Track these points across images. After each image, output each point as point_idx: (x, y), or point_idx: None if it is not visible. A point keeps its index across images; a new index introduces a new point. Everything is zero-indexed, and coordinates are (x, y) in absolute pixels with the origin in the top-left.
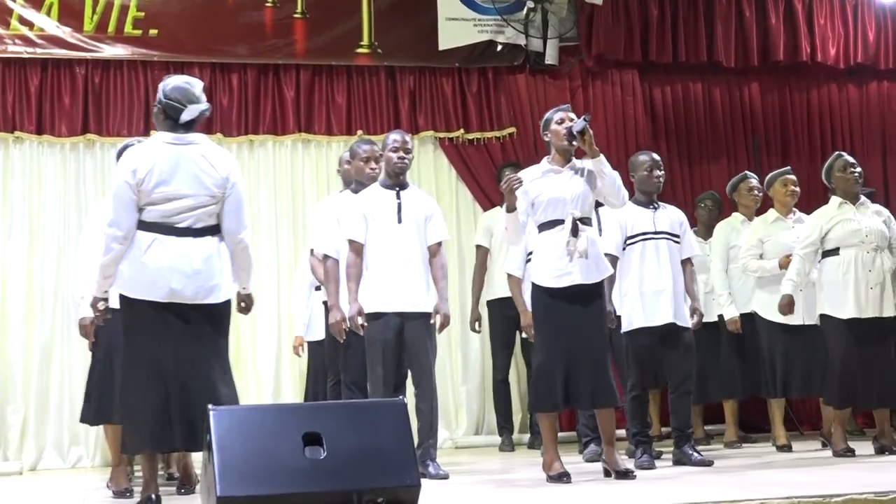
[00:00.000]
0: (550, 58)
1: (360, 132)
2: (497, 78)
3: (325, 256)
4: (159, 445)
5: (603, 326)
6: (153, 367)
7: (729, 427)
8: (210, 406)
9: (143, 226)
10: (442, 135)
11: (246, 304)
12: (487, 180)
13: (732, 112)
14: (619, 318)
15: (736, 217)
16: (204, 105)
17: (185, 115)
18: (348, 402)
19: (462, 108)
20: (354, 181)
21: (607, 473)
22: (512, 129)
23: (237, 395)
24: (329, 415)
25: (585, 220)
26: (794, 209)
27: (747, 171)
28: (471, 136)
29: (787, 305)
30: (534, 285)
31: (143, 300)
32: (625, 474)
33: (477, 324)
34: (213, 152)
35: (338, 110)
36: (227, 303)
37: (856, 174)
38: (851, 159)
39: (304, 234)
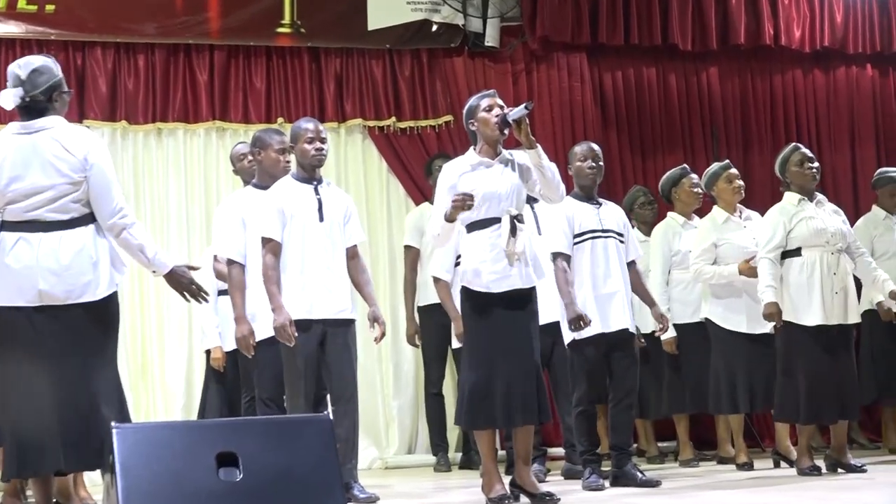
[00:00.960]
0: (491, 39)
1: (280, 120)
2: (432, 61)
3: (230, 262)
4: (39, 469)
5: (536, 334)
6: (27, 385)
7: (683, 445)
8: (114, 424)
9: (7, 226)
10: (371, 123)
11: (177, 286)
12: (422, 173)
13: (689, 99)
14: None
15: (675, 218)
16: (19, 90)
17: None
18: (267, 419)
19: (394, 94)
20: (259, 176)
21: (516, 497)
22: (448, 118)
23: (126, 406)
24: (246, 433)
25: (520, 218)
26: (740, 206)
27: (686, 165)
28: (403, 124)
29: (776, 315)
30: (465, 290)
31: (8, 307)
32: (542, 498)
33: (417, 335)
34: (68, 134)
35: (256, 96)
36: (109, 298)
37: (814, 170)
38: (809, 153)
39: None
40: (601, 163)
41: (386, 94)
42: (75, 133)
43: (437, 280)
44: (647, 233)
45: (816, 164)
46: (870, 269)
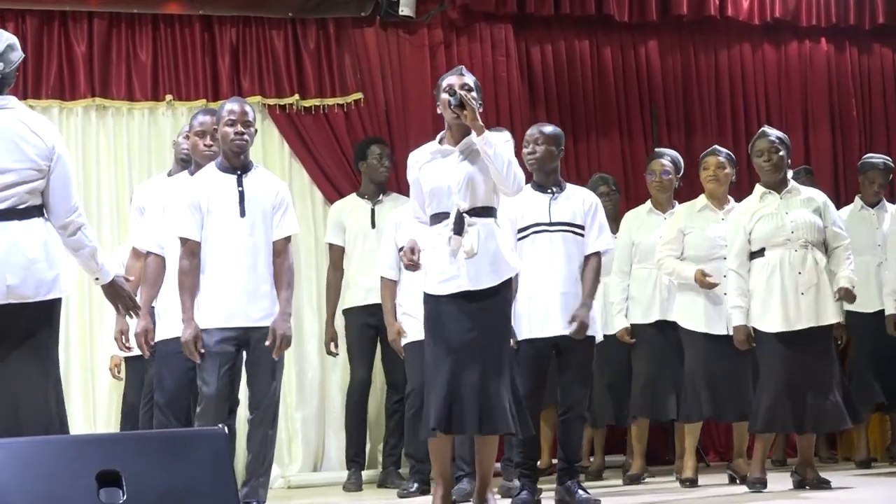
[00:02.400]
0: (406, 8)
1: (168, 97)
2: (340, 32)
3: (148, 253)
4: None
5: (499, 338)
6: None
7: (637, 457)
8: None
9: None
10: (272, 101)
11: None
12: (329, 158)
13: (626, 76)
14: None
15: (644, 207)
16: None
17: None
18: (154, 434)
19: (297, 68)
20: (194, 161)
21: None
22: (358, 95)
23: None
24: (130, 448)
25: (481, 211)
26: (731, 199)
27: (658, 149)
28: (308, 103)
29: (746, 341)
30: (423, 292)
31: None
32: None
33: (332, 345)
34: (34, 118)
35: (141, 70)
36: (61, 301)
37: (770, 163)
38: (775, 139)
39: (98, 223)
40: (548, 147)
41: (288, 68)
42: (40, 118)
43: (382, 279)
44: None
45: (780, 153)
46: (838, 262)
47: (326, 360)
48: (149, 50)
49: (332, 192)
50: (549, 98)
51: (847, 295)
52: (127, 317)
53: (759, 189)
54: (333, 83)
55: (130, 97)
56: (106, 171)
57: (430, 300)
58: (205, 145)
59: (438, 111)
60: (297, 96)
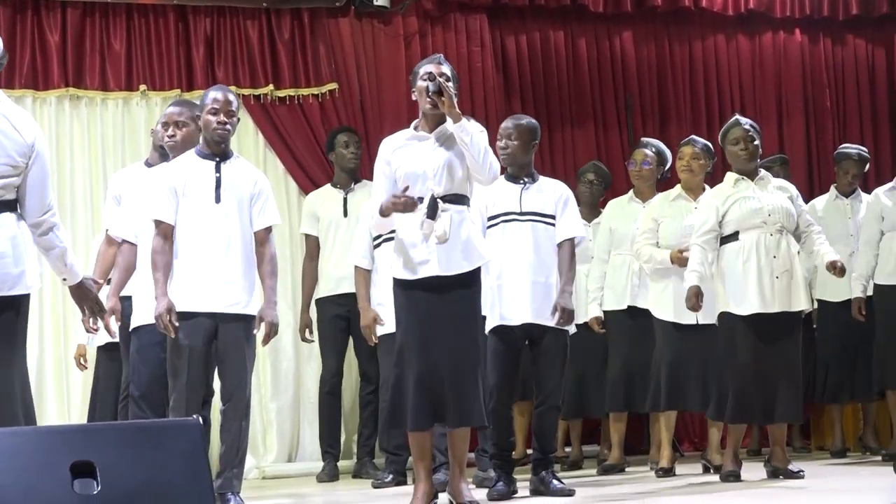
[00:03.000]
0: None
1: (142, 87)
2: (315, 22)
3: (123, 241)
4: None
5: (471, 327)
6: None
7: (614, 447)
8: None
9: None
10: (246, 92)
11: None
12: (303, 148)
13: (601, 67)
14: None
15: (624, 196)
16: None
17: None
18: (129, 424)
19: (272, 58)
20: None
21: None
22: (333, 86)
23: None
24: (105, 440)
25: (455, 198)
26: (707, 187)
27: (644, 139)
28: (282, 93)
29: (695, 297)
30: (393, 277)
31: None
32: None
33: (307, 331)
34: (16, 113)
35: (115, 60)
36: (28, 296)
37: (747, 151)
38: (748, 128)
39: (73, 213)
40: (522, 141)
41: (263, 58)
42: (23, 114)
43: (356, 268)
44: (585, 215)
45: (755, 143)
46: (813, 242)
47: (301, 351)
48: (123, 40)
49: (307, 183)
50: (523, 88)
51: (838, 268)
52: (91, 320)
53: (732, 176)
54: (308, 73)
55: (104, 87)
56: (80, 161)
57: (399, 286)
58: (168, 136)
59: (413, 98)
60: (271, 86)
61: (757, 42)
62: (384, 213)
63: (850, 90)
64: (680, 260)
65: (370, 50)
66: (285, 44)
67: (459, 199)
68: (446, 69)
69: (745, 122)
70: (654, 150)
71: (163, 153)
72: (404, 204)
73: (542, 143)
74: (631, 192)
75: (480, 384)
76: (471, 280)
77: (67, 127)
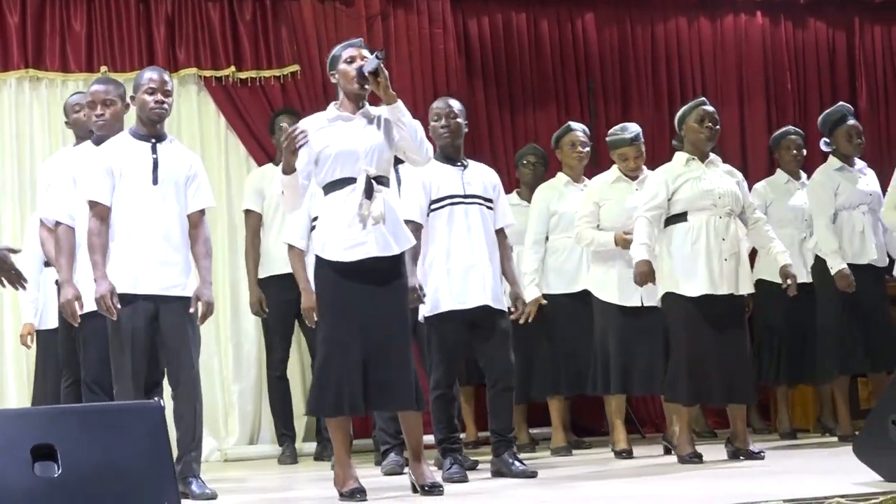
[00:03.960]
0: None
1: (103, 69)
2: (277, 4)
3: (57, 223)
4: None
5: (404, 310)
6: None
7: (556, 431)
8: None
9: None
10: (208, 73)
11: None
12: (265, 130)
13: (563, 49)
14: None
15: (559, 178)
16: None
17: None
18: (89, 407)
19: (233, 40)
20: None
21: (414, 489)
22: (295, 68)
23: None
24: (65, 422)
25: (382, 179)
26: (645, 168)
27: (571, 123)
28: (244, 74)
29: (647, 274)
30: (318, 259)
31: None
32: (431, 489)
33: (262, 302)
34: None
35: (75, 41)
36: None
37: (711, 132)
38: (713, 111)
39: (32, 196)
40: (459, 120)
41: (224, 40)
42: None
43: (290, 247)
44: (527, 196)
45: (717, 127)
46: (766, 237)
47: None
48: (83, 21)
49: (267, 163)
50: (486, 71)
51: (790, 274)
52: (15, 288)
53: (682, 156)
54: (270, 55)
55: (64, 68)
56: (40, 143)
57: (328, 267)
58: (96, 115)
59: (333, 80)
60: (233, 68)
61: (718, 25)
62: (285, 167)
63: (811, 73)
64: (624, 242)
65: (332, 32)
66: (247, 25)
67: (386, 181)
68: (367, 52)
69: (710, 105)
70: (583, 132)
71: (89, 133)
72: (292, 138)
73: (504, 126)
74: (562, 175)
75: (414, 367)
76: (402, 262)
77: (27, 108)
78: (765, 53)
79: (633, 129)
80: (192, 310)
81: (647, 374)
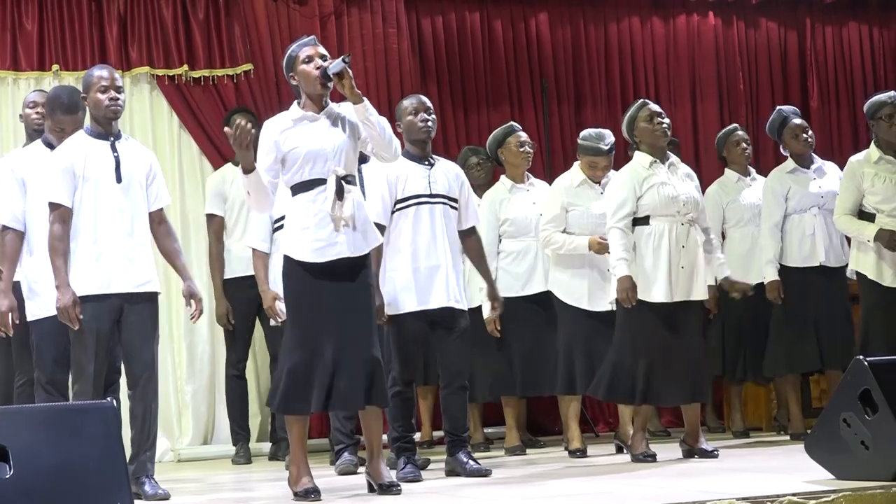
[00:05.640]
0: None
1: (55, 67)
2: (230, 2)
3: (4, 228)
4: None
5: (372, 307)
6: None
7: (510, 430)
8: None
9: None
10: (160, 72)
11: None
12: (218, 129)
13: (517, 49)
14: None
15: (503, 183)
16: None
17: None
18: (42, 407)
19: (186, 39)
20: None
21: (371, 488)
22: (248, 66)
23: None
24: (17, 422)
25: (349, 178)
26: (613, 171)
27: (513, 123)
28: (197, 73)
29: (630, 290)
30: (288, 259)
31: None
32: (389, 488)
33: (229, 314)
34: None
35: (27, 39)
36: None
37: (664, 125)
38: (658, 108)
39: None
40: (434, 115)
41: (177, 38)
42: None
43: (254, 251)
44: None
45: (667, 121)
46: (709, 246)
47: (217, 333)
48: (35, 19)
49: (222, 164)
50: (439, 70)
51: (732, 286)
52: None
53: (644, 157)
54: (223, 54)
55: (15, 67)
56: None
57: (298, 268)
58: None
59: (293, 82)
60: (185, 67)
61: (671, 25)
62: (243, 166)
63: (763, 73)
64: (599, 247)
65: (286, 31)
66: (200, 24)
67: (353, 178)
68: (323, 50)
69: (652, 103)
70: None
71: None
72: (239, 136)
73: (458, 125)
74: (505, 178)
75: (379, 363)
76: (369, 260)
77: None
78: (717, 53)
79: (609, 139)
80: (189, 308)
81: None
